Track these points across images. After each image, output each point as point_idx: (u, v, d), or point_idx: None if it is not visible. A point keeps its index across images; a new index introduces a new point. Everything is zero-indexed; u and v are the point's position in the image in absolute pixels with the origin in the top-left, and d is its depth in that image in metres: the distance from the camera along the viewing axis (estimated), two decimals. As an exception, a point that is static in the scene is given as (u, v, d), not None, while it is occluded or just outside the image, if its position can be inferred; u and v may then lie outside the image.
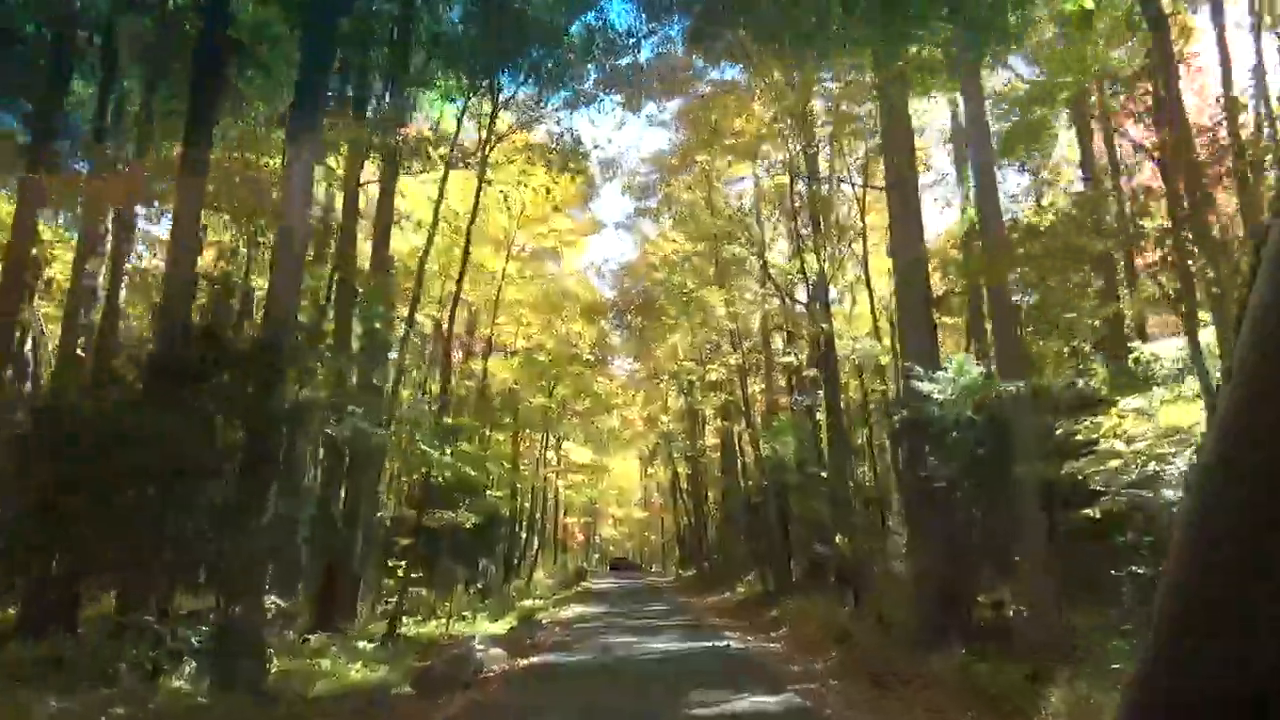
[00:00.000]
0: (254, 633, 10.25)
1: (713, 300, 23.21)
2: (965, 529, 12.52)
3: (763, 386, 31.03)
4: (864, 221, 21.88)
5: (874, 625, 15.30)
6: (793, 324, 23.23)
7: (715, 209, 22.49)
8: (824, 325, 18.04)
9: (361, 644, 12.41)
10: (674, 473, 50.96)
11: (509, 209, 24.90)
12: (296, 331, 11.42)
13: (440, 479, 24.73)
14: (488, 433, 36.17)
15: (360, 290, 15.75)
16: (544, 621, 22.05)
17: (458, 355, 32.49)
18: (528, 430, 42.94)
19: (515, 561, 44.41)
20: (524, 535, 47.75)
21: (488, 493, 38.32)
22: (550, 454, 47.27)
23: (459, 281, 18.51)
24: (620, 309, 33.50)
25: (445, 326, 19.40)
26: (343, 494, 16.98)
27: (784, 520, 25.63)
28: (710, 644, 16.07)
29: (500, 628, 20.11)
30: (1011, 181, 20.05)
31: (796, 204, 20.07)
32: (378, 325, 15.56)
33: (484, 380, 27.25)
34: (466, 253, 18.30)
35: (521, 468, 43.47)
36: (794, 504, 24.90)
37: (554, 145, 22.91)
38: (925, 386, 12.33)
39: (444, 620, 20.53)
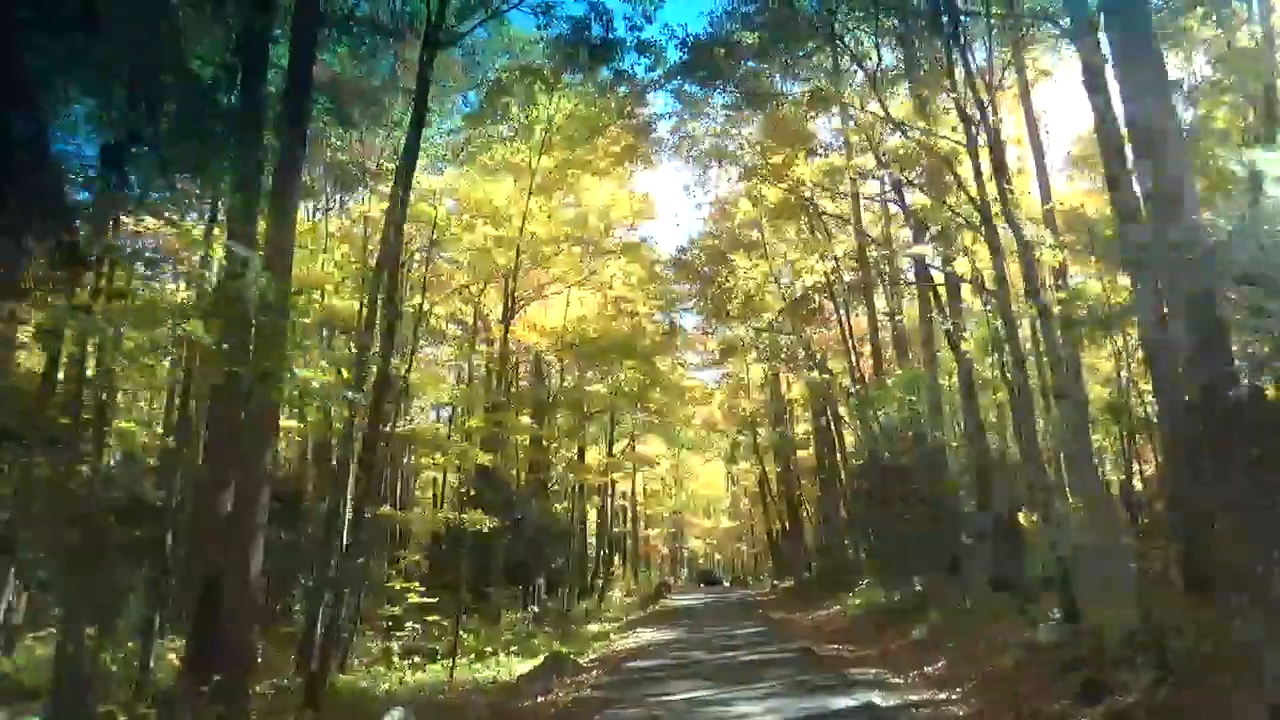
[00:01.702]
0: None
1: (797, 172, 16.44)
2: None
3: (865, 355, 23.93)
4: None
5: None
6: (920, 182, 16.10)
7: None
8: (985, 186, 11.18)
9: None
10: (761, 471, 43.78)
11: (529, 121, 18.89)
12: None
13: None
14: (540, 422, 30.19)
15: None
16: (588, 658, 15.55)
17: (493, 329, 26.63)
18: (595, 431, 36.81)
19: (589, 579, 38.11)
20: (596, 550, 41.44)
21: (551, 502, 32.33)
22: (625, 460, 40.92)
23: (404, 180, 12.35)
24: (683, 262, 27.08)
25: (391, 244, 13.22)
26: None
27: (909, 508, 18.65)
28: (839, 702, 9.34)
29: (526, 668, 13.80)
30: None
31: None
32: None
33: (505, 348, 21.01)
34: (418, 123, 12.13)
35: (589, 478, 37.47)
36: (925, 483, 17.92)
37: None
38: None
39: (450, 660, 14.33)
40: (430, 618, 18.79)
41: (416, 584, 17.63)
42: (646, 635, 20.48)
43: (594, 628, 25.83)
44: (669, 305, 35.64)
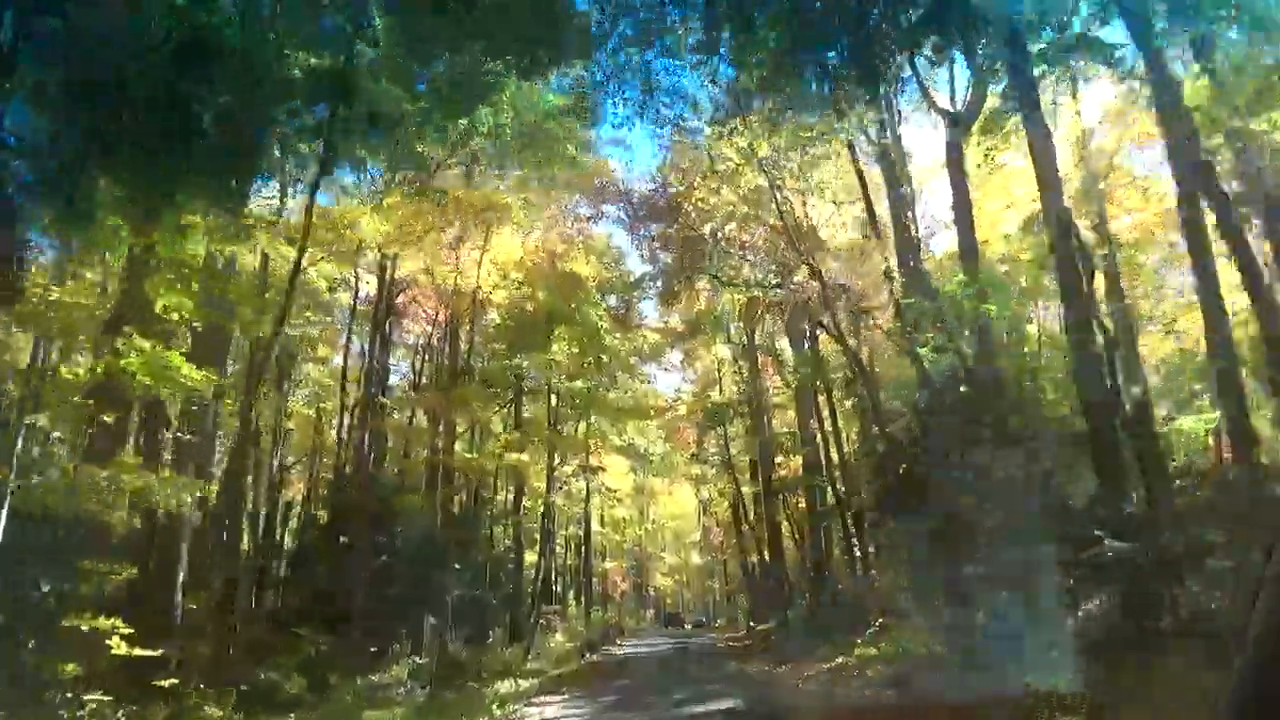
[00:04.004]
0: None
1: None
2: None
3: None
4: None
5: None
6: None
7: None
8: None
9: None
10: (735, 491, 35.56)
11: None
12: None
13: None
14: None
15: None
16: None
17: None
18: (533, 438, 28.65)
19: (528, 618, 29.51)
20: (538, 584, 32.85)
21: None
22: (570, 471, 32.70)
23: None
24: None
25: None
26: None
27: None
28: None
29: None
30: None
31: None
32: None
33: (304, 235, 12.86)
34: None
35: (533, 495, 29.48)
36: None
37: None
38: None
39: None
40: (165, 681, 10.65)
41: (117, 622, 9.42)
42: (557, 708, 12.25)
43: (506, 687, 17.46)
44: (622, 286, 28.29)
